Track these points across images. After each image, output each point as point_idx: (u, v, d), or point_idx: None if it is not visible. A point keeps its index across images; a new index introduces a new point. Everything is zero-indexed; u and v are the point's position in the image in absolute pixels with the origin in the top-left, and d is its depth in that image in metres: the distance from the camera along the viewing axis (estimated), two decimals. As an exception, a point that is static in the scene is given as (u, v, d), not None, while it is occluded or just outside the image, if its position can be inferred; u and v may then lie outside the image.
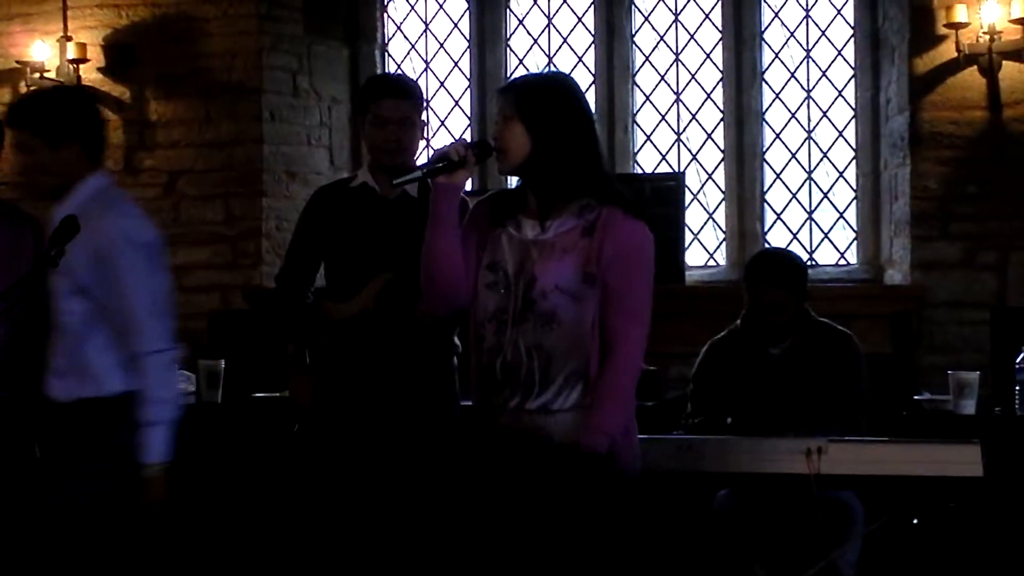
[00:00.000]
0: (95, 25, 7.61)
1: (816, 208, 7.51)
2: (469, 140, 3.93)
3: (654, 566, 4.72)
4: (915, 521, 4.95)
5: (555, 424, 3.85)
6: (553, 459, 3.85)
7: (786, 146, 7.55)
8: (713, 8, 7.62)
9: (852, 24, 7.46)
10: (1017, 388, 5.56)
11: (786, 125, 7.56)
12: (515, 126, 3.82)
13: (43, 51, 7.56)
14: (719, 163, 7.61)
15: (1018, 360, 5.57)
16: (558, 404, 3.84)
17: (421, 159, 5.32)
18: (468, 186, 4.34)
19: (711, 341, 5.45)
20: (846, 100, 7.48)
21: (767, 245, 7.46)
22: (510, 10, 7.88)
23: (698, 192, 7.59)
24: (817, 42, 7.53)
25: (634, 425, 3.98)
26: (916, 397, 6.00)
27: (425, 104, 5.37)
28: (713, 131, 7.63)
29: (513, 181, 4.13)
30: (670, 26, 7.68)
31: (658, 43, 7.71)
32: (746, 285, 5.32)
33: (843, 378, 5.20)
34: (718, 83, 7.62)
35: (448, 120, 7.91)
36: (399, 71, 7.88)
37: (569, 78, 4.21)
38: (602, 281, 3.81)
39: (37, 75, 7.53)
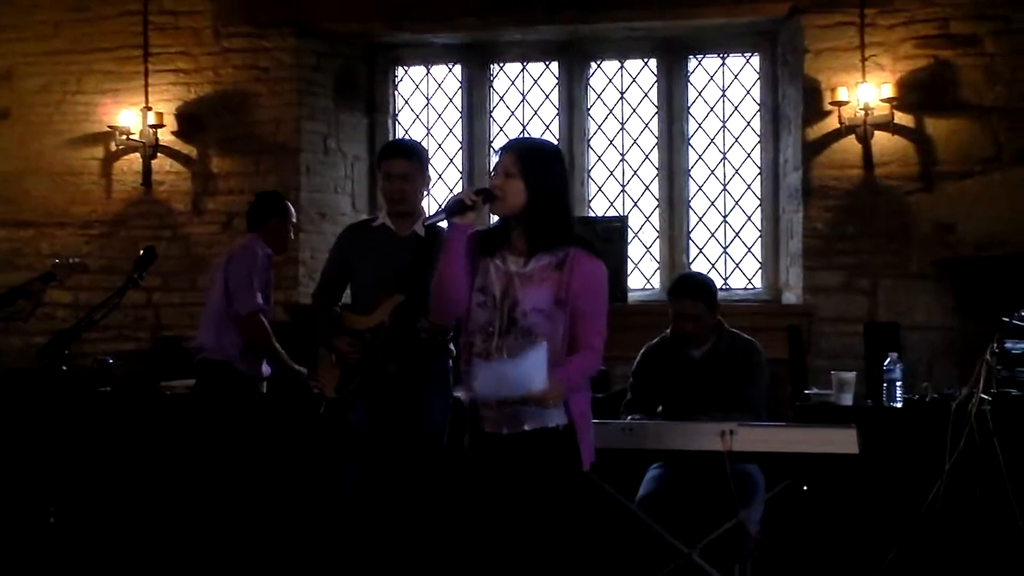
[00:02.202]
0: (170, 98, 7.59)
1: (730, 244, 7.52)
2: (476, 189, 3.91)
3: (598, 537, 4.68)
4: (805, 488, 4.96)
5: (532, 412, 3.85)
6: (525, 439, 3.87)
7: (707, 196, 7.56)
8: (651, 88, 7.64)
9: (759, 101, 7.49)
10: (884, 385, 5.56)
11: (706, 180, 7.57)
12: (516, 182, 3.84)
13: (129, 118, 7.53)
14: (655, 209, 7.62)
15: (885, 363, 5.58)
16: None
17: (426, 205, 5.34)
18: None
19: (646, 346, 5.43)
20: (753, 160, 7.50)
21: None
22: (493, 89, 7.89)
23: (639, 232, 7.59)
24: (731, 115, 7.55)
25: (590, 412, 3.98)
26: (806, 392, 6.00)
27: (427, 161, 5.35)
28: (651, 184, 7.63)
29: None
30: (617, 102, 7.70)
31: (608, 115, 7.72)
32: (669, 300, 5.32)
33: (749, 376, 5.20)
34: (654, 146, 7.63)
35: (444, 174, 7.90)
36: (407, 135, 7.88)
37: (556, 146, 4.25)
38: (571, 306, 3.84)
39: (124, 137, 7.53)
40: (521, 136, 7.54)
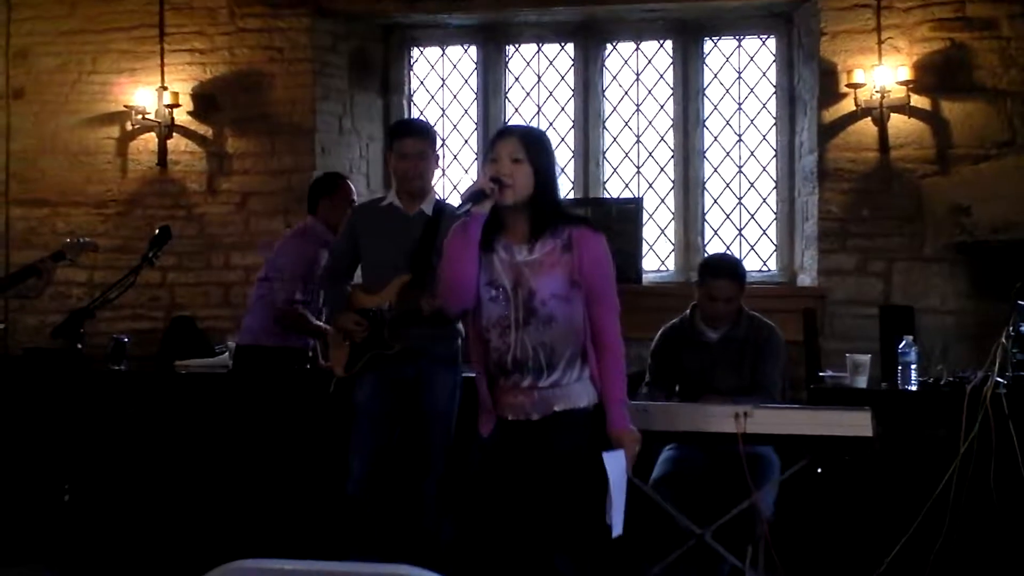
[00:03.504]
0: (186, 78, 7.59)
1: (745, 227, 7.50)
2: (490, 176, 3.89)
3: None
4: (819, 470, 4.95)
5: (563, 394, 3.89)
6: (555, 420, 3.88)
7: (722, 178, 7.54)
8: (666, 70, 7.61)
9: (774, 84, 7.45)
10: (899, 368, 5.55)
11: (722, 162, 7.54)
12: (524, 167, 3.85)
13: (144, 97, 7.53)
14: (670, 191, 7.59)
15: (900, 346, 5.57)
16: (565, 380, 3.89)
17: (438, 186, 5.33)
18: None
19: (664, 327, 5.42)
20: (769, 143, 7.47)
21: (707, 255, 7.44)
22: (508, 70, 7.87)
23: (653, 213, 7.56)
24: (747, 97, 7.51)
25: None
26: (820, 374, 5.98)
27: (439, 142, 5.35)
28: (665, 166, 7.61)
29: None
30: (632, 84, 7.67)
31: (623, 97, 7.69)
32: (701, 280, 5.28)
33: (767, 359, 5.20)
34: (669, 128, 7.61)
35: (459, 155, 7.88)
36: (422, 116, 7.87)
37: (542, 130, 4.28)
38: (585, 285, 3.85)
39: (140, 116, 7.52)
40: (509, 123, 7.53)
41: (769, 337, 5.24)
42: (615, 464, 3.82)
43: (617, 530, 3.82)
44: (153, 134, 7.58)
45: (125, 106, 7.58)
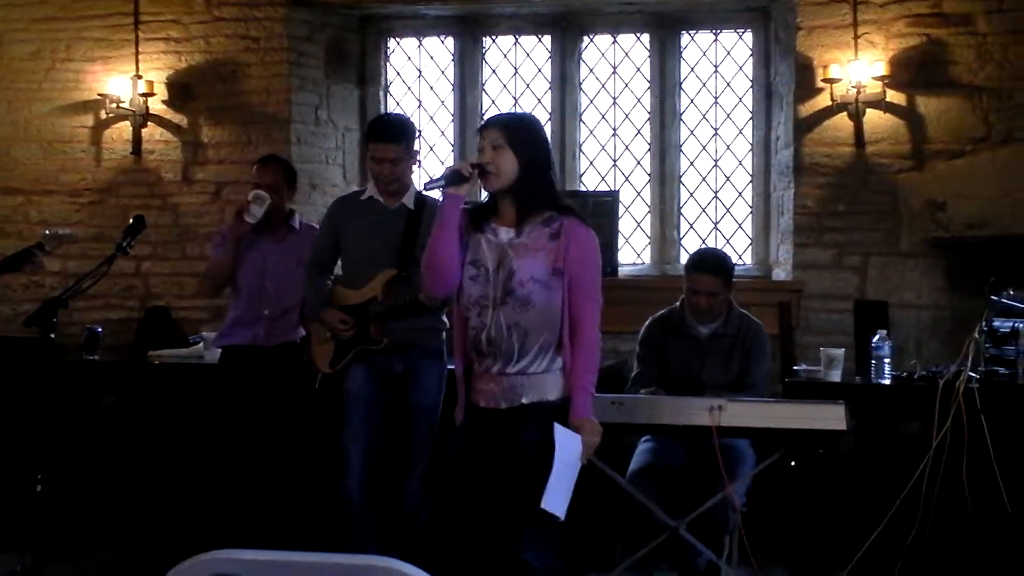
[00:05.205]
0: (161, 67, 7.55)
1: (720, 220, 7.52)
2: (472, 162, 3.94)
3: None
4: (793, 463, 4.98)
5: (530, 383, 3.90)
6: (523, 411, 3.89)
7: (698, 172, 7.55)
8: (643, 63, 7.62)
9: (751, 78, 7.47)
10: (873, 362, 5.58)
11: (698, 155, 7.55)
12: (507, 154, 3.87)
13: (119, 86, 7.49)
14: (646, 184, 7.61)
15: (874, 340, 5.60)
16: (533, 368, 3.90)
17: (416, 178, 5.33)
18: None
19: (652, 317, 5.44)
20: (745, 137, 7.49)
21: (682, 249, 7.47)
22: (485, 61, 7.86)
23: (629, 206, 7.58)
24: (723, 91, 7.53)
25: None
26: (795, 368, 6.02)
27: (416, 136, 5.33)
28: (642, 159, 7.62)
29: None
30: (609, 76, 7.67)
31: (600, 89, 7.70)
32: (685, 273, 5.31)
33: (756, 359, 5.23)
34: (646, 122, 7.62)
35: (436, 146, 7.87)
36: (398, 107, 7.86)
37: (535, 117, 4.27)
38: (568, 275, 3.87)
39: (114, 105, 7.48)
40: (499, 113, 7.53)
41: (758, 337, 5.28)
42: (566, 443, 3.79)
43: (556, 512, 3.78)
44: (128, 123, 7.54)
45: (99, 94, 7.53)
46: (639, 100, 7.63)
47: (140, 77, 7.48)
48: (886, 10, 6.80)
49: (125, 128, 7.57)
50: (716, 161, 7.52)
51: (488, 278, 3.92)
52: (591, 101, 7.71)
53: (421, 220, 4.91)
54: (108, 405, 6.89)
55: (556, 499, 3.78)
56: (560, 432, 3.78)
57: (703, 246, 7.16)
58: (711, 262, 5.29)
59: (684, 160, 7.57)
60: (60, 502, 6.15)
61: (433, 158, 7.82)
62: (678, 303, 5.35)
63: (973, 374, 5.24)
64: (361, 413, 5.04)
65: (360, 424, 5.04)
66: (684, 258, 7.12)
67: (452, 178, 3.87)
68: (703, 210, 7.53)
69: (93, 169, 7.69)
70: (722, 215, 7.51)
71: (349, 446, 5.03)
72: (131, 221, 5.32)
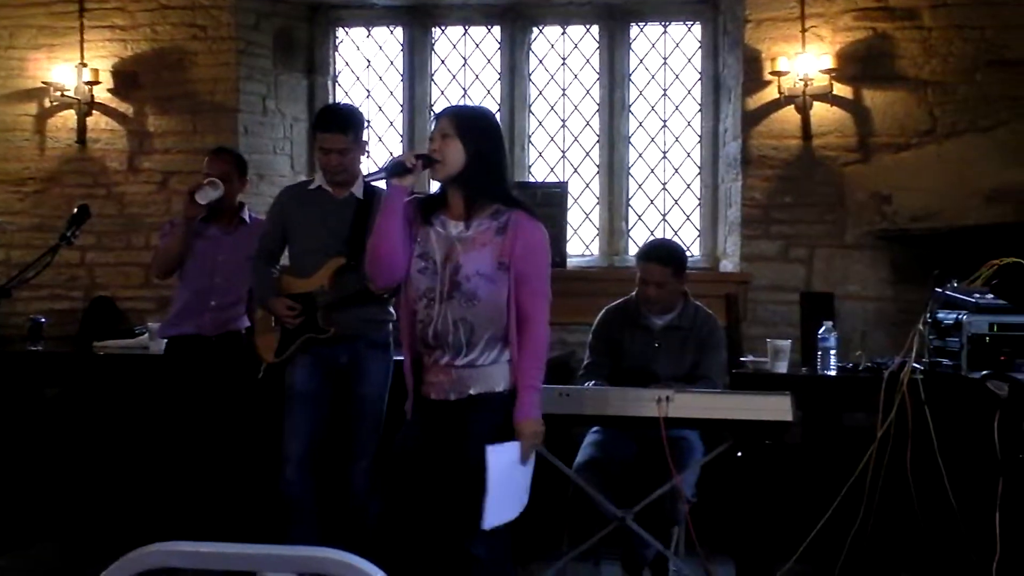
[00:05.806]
0: (106, 55, 7.48)
1: (668, 212, 7.56)
2: (416, 152, 3.91)
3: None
4: (739, 454, 5.00)
5: (479, 376, 3.88)
6: (471, 402, 3.89)
7: (647, 163, 7.59)
8: (592, 54, 7.64)
9: (699, 70, 7.51)
10: (819, 353, 5.61)
11: (647, 147, 7.59)
12: (454, 143, 3.85)
13: (63, 74, 7.42)
14: (595, 175, 7.63)
15: (820, 332, 5.63)
16: (481, 361, 3.88)
17: (364, 168, 5.31)
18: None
19: (607, 307, 5.42)
20: (693, 129, 7.53)
21: (631, 241, 7.50)
22: (435, 52, 7.85)
23: (578, 198, 7.60)
24: (672, 84, 7.57)
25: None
26: (742, 359, 6.05)
27: (365, 126, 5.30)
28: (591, 150, 7.64)
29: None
30: (559, 68, 7.69)
31: (549, 81, 7.71)
32: (637, 262, 5.32)
33: (712, 352, 5.25)
34: (595, 113, 7.64)
35: (384, 136, 7.86)
36: (347, 97, 7.84)
37: (490, 111, 4.24)
38: (514, 269, 3.85)
39: (59, 93, 7.41)
40: (463, 103, 7.53)
41: (713, 330, 5.29)
42: (498, 459, 3.79)
43: (491, 523, 3.79)
44: (72, 111, 7.46)
45: (43, 83, 7.46)
46: (588, 92, 7.65)
47: (85, 65, 7.41)
48: (833, 4, 6.85)
49: (70, 117, 7.49)
50: (665, 153, 7.55)
51: (436, 271, 3.90)
52: (540, 92, 7.72)
53: (370, 210, 4.88)
54: (52, 396, 6.83)
55: (500, 512, 3.79)
56: (491, 451, 3.77)
57: (655, 237, 7.19)
58: (660, 252, 5.29)
59: (633, 152, 7.59)
60: (3, 494, 6.09)
61: (382, 148, 7.82)
62: (633, 293, 5.35)
63: (917, 365, 5.27)
64: (302, 410, 5.01)
65: (302, 420, 5.00)
66: (633, 249, 7.17)
67: (395, 169, 3.84)
68: (651, 202, 7.56)
69: (37, 158, 7.60)
70: (670, 207, 7.55)
71: (289, 440, 5.00)
72: (75, 211, 5.26)
